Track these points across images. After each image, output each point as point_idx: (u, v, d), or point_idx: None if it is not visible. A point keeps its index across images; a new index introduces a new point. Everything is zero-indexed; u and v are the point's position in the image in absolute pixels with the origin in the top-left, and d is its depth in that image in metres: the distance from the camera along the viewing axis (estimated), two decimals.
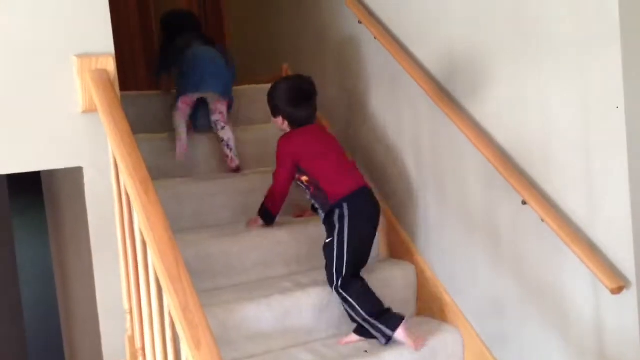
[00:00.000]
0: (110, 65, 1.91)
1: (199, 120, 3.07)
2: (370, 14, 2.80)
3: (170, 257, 1.40)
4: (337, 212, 2.41)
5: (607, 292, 1.85)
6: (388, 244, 2.84)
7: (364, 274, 2.45)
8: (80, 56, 1.88)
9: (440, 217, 2.57)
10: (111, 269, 1.88)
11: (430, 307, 2.62)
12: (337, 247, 2.38)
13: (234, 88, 3.23)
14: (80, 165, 1.90)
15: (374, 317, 2.31)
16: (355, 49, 2.96)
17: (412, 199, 2.72)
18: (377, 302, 2.35)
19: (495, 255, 2.33)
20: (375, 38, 2.69)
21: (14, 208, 3.75)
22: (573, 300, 2.04)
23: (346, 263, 2.36)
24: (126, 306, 1.84)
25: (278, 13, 3.67)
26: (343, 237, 2.38)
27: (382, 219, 2.83)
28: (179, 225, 2.67)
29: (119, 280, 1.86)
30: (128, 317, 1.83)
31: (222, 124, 2.99)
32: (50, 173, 2.09)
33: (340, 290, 2.36)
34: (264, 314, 2.35)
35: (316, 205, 2.52)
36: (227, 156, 2.97)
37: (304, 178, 2.49)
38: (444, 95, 2.42)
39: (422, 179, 2.65)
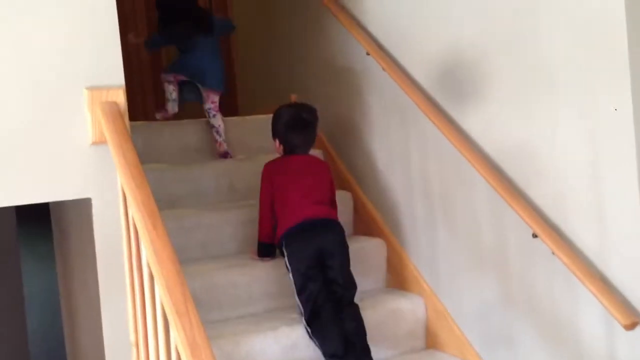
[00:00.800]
0: (121, 98, 1.92)
1: (185, 94, 3.32)
2: (379, 46, 2.82)
3: (177, 292, 1.38)
4: (282, 249, 2.50)
5: (621, 328, 1.82)
6: (394, 274, 2.81)
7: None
8: (91, 89, 1.89)
9: (449, 248, 2.55)
10: (118, 301, 1.86)
11: (440, 341, 2.58)
12: (293, 279, 2.43)
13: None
14: (89, 196, 1.90)
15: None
16: (363, 80, 2.98)
17: (419, 229, 2.70)
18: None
19: (506, 288, 2.30)
20: (383, 70, 2.70)
21: (22, 238, 3.75)
22: (586, 335, 2.01)
23: (307, 294, 2.39)
24: (132, 339, 1.82)
25: (287, 45, 3.69)
26: (290, 269, 2.45)
27: (388, 249, 2.82)
28: (186, 256, 2.66)
29: (126, 312, 1.84)
30: (134, 350, 1.81)
31: (214, 112, 3.24)
32: (59, 203, 2.09)
33: (307, 326, 2.37)
34: (271, 346, 2.33)
35: None
36: (217, 141, 3.21)
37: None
38: (453, 127, 2.42)
39: (429, 209, 2.64)
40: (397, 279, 2.80)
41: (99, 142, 1.89)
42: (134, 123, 3.18)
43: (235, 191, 3.04)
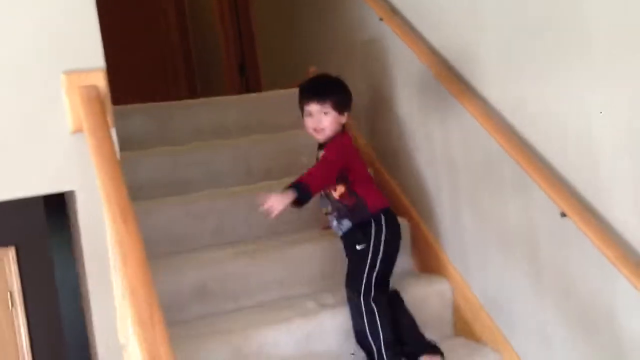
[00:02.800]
0: (101, 81, 1.77)
1: None
2: (393, 10, 2.60)
3: (142, 300, 1.24)
4: (374, 223, 2.26)
5: None
6: (420, 258, 2.63)
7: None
8: (69, 72, 1.75)
9: (476, 230, 2.34)
10: (106, 299, 1.75)
11: (469, 329, 2.39)
12: (372, 254, 2.23)
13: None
14: (73, 189, 1.78)
15: (389, 348, 2.14)
16: (380, 49, 2.76)
17: (445, 210, 2.50)
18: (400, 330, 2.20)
19: (537, 273, 2.09)
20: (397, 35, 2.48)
21: (50, 226, 3.72)
22: (624, 324, 1.79)
23: (376, 273, 2.22)
24: (122, 340, 1.70)
25: (303, 16, 3.49)
26: (379, 247, 2.23)
27: (411, 229, 2.64)
28: (199, 243, 2.56)
29: (115, 311, 1.72)
30: (124, 353, 1.70)
31: None
32: (71, 192, 1.97)
33: (370, 301, 2.19)
34: (284, 338, 2.19)
35: (339, 217, 2.32)
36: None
37: (340, 189, 2.29)
38: (474, 97, 2.20)
39: (454, 188, 2.43)
40: (423, 261, 2.62)
41: (80, 130, 1.75)
42: (148, 105, 3.11)
43: (252, 174, 2.89)
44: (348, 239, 2.33)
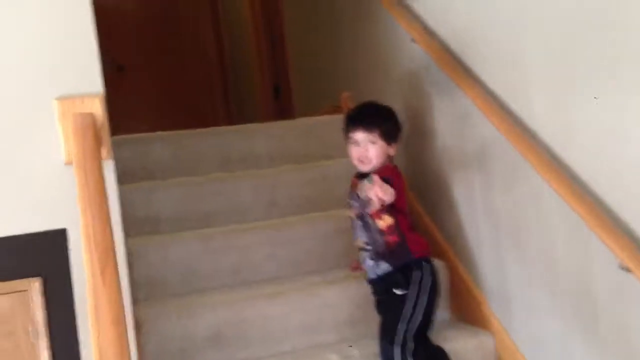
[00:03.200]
0: (97, 107, 1.60)
1: None
2: (428, 32, 2.37)
3: None
4: (417, 268, 2.04)
5: None
6: (457, 305, 2.36)
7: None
8: (62, 98, 1.59)
9: (522, 277, 2.07)
10: None
11: None
12: (413, 302, 2.02)
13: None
14: (63, 227, 1.60)
15: None
16: (415, 73, 2.54)
17: (487, 253, 2.23)
18: None
19: (592, 325, 1.81)
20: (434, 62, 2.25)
21: None
22: None
23: (416, 323, 2.00)
24: None
25: (336, 39, 3.29)
26: (421, 294, 2.03)
27: (449, 272, 2.39)
28: (215, 283, 2.36)
29: None
30: None
31: None
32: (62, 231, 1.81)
33: (408, 356, 1.97)
34: None
35: (376, 257, 2.08)
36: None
37: (388, 220, 2.06)
38: (521, 132, 1.94)
39: (497, 229, 2.16)
40: (460, 308, 2.35)
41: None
42: (171, 132, 2.95)
43: (277, 207, 2.68)
44: (383, 283, 2.09)
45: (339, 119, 2.35)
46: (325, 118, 3.07)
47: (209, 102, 5.85)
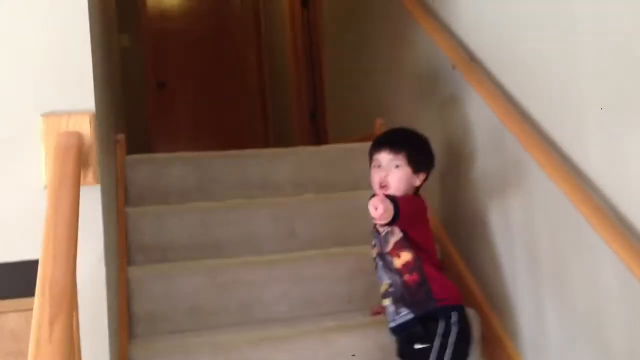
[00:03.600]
0: (85, 126, 1.44)
1: None
2: (470, 57, 2.15)
3: None
4: (441, 319, 1.80)
5: None
6: (488, 357, 2.11)
7: None
8: (47, 115, 1.43)
9: (563, 333, 1.82)
10: None
11: None
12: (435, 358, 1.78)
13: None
14: (37, 257, 1.43)
15: None
16: (454, 103, 2.32)
17: (524, 302, 1.99)
18: None
19: None
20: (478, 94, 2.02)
21: None
22: None
23: None
24: None
25: (373, 64, 3.10)
26: (444, 351, 1.79)
27: (480, 322, 2.14)
28: (220, 320, 2.17)
29: None
30: None
31: None
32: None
33: None
34: None
35: (396, 302, 1.85)
36: None
37: (406, 256, 1.84)
38: (567, 171, 1.70)
39: (536, 276, 1.91)
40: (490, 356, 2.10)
41: None
42: (190, 154, 2.79)
43: (296, 239, 2.48)
44: (403, 334, 1.87)
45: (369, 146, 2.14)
46: (355, 145, 2.85)
47: (249, 124, 5.78)
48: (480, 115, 2.10)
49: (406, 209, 1.78)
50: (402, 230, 1.84)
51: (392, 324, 1.89)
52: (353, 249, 2.37)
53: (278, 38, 5.03)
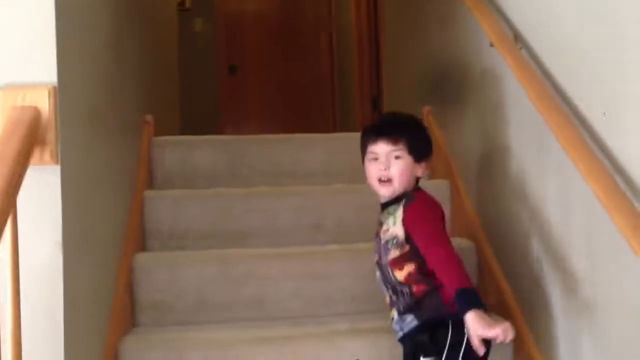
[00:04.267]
0: (43, 101, 1.32)
1: None
2: (515, 35, 1.88)
3: None
4: (451, 325, 1.56)
5: None
6: None
7: None
8: (4, 88, 1.33)
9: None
10: None
11: None
12: None
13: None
14: None
15: None
16: (498, 94, 2.05)
17: (558, 320, 1.72)
18: None
19: None
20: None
21: None
22: None
23: None
24: None
25: (421, 47, 2.85)
26: None
27: (514, 346, 1.89)
28: (228, 315, 2.03)
29: None
30: None
31: None
32: None
33: None
34: None
35: (400, 310, 1.65)
36: None
37: (409, 268, 1.62)
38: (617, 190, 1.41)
39: (569, 295, 1.64)
40: None
41: None
42: (221, 137, 2.68)
43: (322, 232, 2.31)
44: (409, 345, 1.66)
45: None
46: None
47: (319, 110, 5.66)
48: (517, 101, 1.83)
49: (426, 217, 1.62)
50: (413, 246, 1.62)
51: (400, 334, 1.68)
52: None
53: (347, 22, 4.84)
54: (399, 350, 1.81)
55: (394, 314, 1.68)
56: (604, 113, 1.44)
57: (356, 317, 2.01)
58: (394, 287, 1.66)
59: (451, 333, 1.56)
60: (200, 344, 1.82)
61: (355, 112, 4.51)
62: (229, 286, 2.04)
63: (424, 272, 1.61)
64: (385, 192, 1.70)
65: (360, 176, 2.49)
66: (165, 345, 1.81)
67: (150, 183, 2.48)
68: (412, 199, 1.68)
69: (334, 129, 5.20)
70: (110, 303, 1.83)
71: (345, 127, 4.86)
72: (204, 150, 2.55)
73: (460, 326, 1.53)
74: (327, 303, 2.06)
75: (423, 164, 1.70)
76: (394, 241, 1.65)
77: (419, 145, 1.68)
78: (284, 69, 5.66)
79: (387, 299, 1.70)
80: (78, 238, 1.48)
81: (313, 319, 2.02)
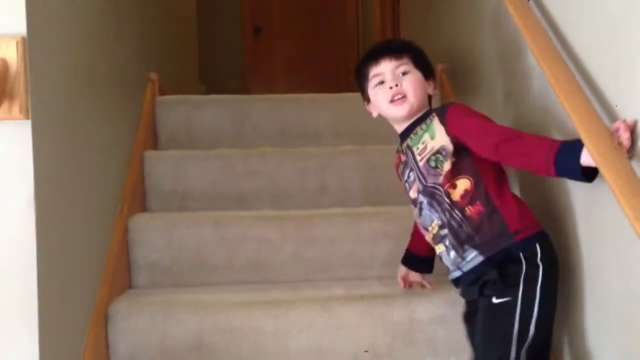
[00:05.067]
0: (12, 53, 1.27)
1: None
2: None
3: None
4: (524, 257, 1.39)
5: None
6: None
7: None
8: None
9: None
10: None
11: None
12: (521, 315, 1.37)
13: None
14: None
15: None
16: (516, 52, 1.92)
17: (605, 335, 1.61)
18: None
19: None
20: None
21: None
22: None
23: (530, 346, 1.37)
24: None
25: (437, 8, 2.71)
26: (534, 302, 1.37)
27: None
28: (225, 278, 1.99)
29: None
30: None
31: None
32: None
33: None
34: None
35: (457, 243, 1.45)
36: None
37: (464, 184, 1.45)
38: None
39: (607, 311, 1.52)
40: None
41: None
42: (226, 96, 2.61)
43: (327, 195, 2.25)
44: (471, 286, 1.47)
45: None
46: None
47: (344, 72, 5.54)
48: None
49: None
50: (464, 155, 1.45)
51: (456, 274, 1.50)
52: (381, 209, 2.09)
53: None
54: (394, 317, 1.76)
55: (443, 249, 1.49)
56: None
57: (354, 282, 1.95)
58: (448, 214, 1.46)
59: (525, 267, 1.38)
60: (192, 307, 1.78)
61: None
62: (226, 248, 2.00)
63: (482, 189, 1.44)
64: (401, 111, 1.53)
65: (371, 137, 2.43)
66: (156, 306, 1.78)
67: (155, 143, 2.44)
68: (448, 105, 1.54)
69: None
70: (104, 263, 1.81)
71: None
72: (209, 110, 2.49)
73: (533, 257, 1.39)
74: (326, 268, 2.00)
75: (431, 83, 1.59)
76: (442, 154, 1.47)
77: (424, 62, 1.58)
78: (310, 30, 5.56)
79: (433, 232, 1.51)
80: (56, 196, 1.44)
81: (311, 283, 1.97)
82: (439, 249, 1.51)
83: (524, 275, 1.38)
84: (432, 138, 1.50)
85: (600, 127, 1.17)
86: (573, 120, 1.21)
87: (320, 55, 5.55)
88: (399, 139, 1.65)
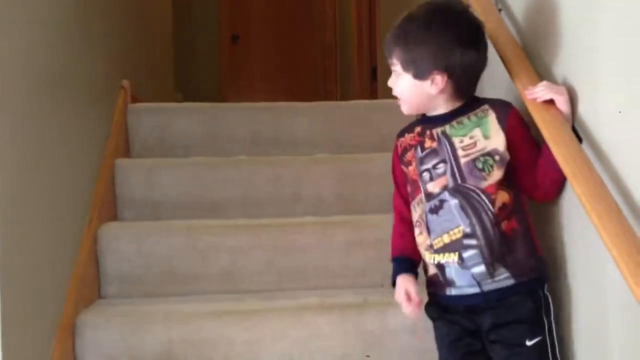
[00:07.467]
0: None
1: None
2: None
3: None
4: (540, 289, 1.29)
5: None
6: None
7: None
8: None
9: None
10: None
11: None
12: (552, 353, 1.26)
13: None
14: None
15: None
16: None
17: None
18: None
19: None
20: None
21: None
22: None
23: None
24: None
25: None
26: (553, 336, 1.27)
27: None
28: (198, 288, 1.97)
29: None
30: None
31: None
32: None
33: None
34: None
35: (490, 258, 1.26)
36: None
37: (504, 196, 1.29)
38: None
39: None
40: None
41: None
42: (201, 104, 2.58)
43: (301, 203, 2.22)
44: (494, 312, 1.29)
45: None
46: (390, 102, 2.52)
47: (321, 80, 5.57)
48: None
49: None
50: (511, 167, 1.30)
51: (469, 290, 1.28)
52: (355, 217, 2.08)
53: None
54: (367, 326, 1.74)
55: (452, 259, 1.28)
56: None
57: (327, 292, 1.93)
58: (488, 224, 1.26)
59: (543, 298, 1.27)
60: (162, 317, 1.76)
61: (354, 83, 4.41)
62: (198, 258, 1.97)
63: (517, 205, 1.30)
64: (403, 110, 1.39)
65: (346, 146, 2.43)
66: (125, 317, 1.75)
67: (128, 152, 2.41)
68: (508, 106, 1.34)
69: (336, 99, 5.10)
70: (71, 273, 1.77)
71: (345, 97, 4.76)
72: (183, 118, 2.46)
73: (542, 286, 1.28)
74: (299, 277, 1.98)
75: (436, 77, 1.29)
76: (495, 159, 1.28)
77: (414, 57, 1.30)
78: (288, 40, 5.56)
79: (444, 242, 1.29)
80: (19, 205, 1.40)
81: (284, 292, 1.94)
82: (445, 258, 1.30)
83: (544, 309, 1.28)
84: (486, 137, 1.30)
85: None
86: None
87: (297, 64, 5.56)
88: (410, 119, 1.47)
